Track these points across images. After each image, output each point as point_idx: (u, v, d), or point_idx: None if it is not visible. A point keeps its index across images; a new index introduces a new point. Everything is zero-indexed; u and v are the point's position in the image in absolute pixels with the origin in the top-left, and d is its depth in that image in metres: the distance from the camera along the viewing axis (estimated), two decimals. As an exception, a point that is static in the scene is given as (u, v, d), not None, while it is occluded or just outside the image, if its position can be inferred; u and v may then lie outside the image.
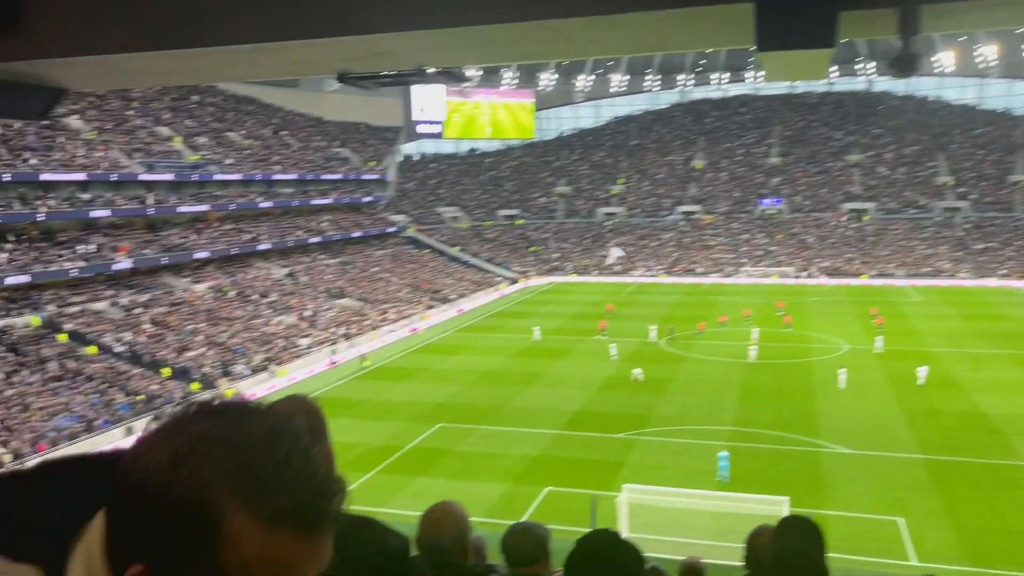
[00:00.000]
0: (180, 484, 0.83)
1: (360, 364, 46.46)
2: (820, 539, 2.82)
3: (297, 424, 0.91)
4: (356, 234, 76.36)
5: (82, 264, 47.87)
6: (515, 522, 3.63)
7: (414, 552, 2.78)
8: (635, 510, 22.75)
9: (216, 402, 0.91)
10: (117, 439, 33.53)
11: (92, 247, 50.01)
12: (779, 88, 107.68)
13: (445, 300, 67.23)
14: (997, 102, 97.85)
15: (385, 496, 25.98)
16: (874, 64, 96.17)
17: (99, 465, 0.99)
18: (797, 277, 77.40)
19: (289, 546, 0.85)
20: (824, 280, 75.90)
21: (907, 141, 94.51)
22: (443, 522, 2.71)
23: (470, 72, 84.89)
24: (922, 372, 38.72)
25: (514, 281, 79.98)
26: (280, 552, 0.85)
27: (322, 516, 0.88)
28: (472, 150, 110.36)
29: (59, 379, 37.79)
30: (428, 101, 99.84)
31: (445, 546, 2.66)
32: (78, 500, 0.95)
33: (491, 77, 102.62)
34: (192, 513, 0.83)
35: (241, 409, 0.90)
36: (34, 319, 42.76)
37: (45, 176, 48.18)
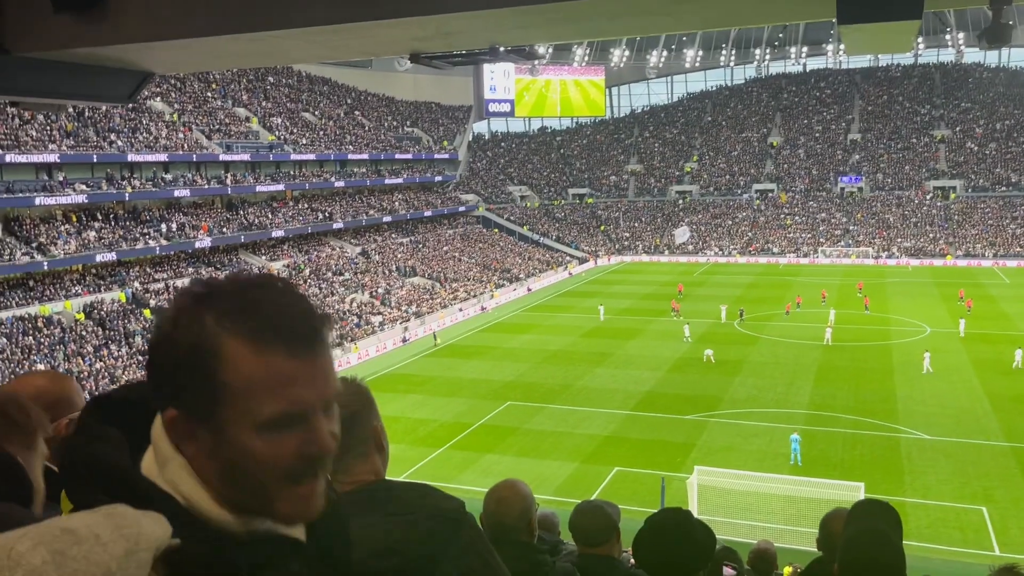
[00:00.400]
0: (181, 329, 0.99)
1: (434, 342, 47.08)
2: (897, 522, 2.75)
3: (274, 275, 1.07)
4: (427, 213, 77.12)
5: (165, 242, 49.64)
6: (583, 500, 3.64)
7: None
8: (705, 492, 22.56)
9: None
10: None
11: (174, 226, 51.79)
12: (860, 61, 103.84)
13: (515, 279, 67.45)
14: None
15: (455, 472, 26.37)
16: (963, 35, 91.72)
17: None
18: (877, 258, 74.97)
19: (282, 364, 0.99)
20: (906, 261, 73.33)
21: (998, 115, 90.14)
22: (507, 501, 2.74)
23: (541, 49, 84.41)
24: (1019, 355, 37.26)
25: (584, 260, 79.67)
26: (275, 369, 0.99)
27: (306, 334, 1.01)
28: (542, 128, 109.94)
29: (145, 353, 39.39)
30: (498, 79, 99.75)
31: (509, 524, 2.69)
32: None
33: (562, 54, 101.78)
34: (194, 349, 0.98)
35: (230, 273, 1.06)
36: (121, 295, 44.61)
37: (131, 157, 50.00)
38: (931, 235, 77.01)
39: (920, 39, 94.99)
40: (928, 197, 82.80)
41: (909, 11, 3.07)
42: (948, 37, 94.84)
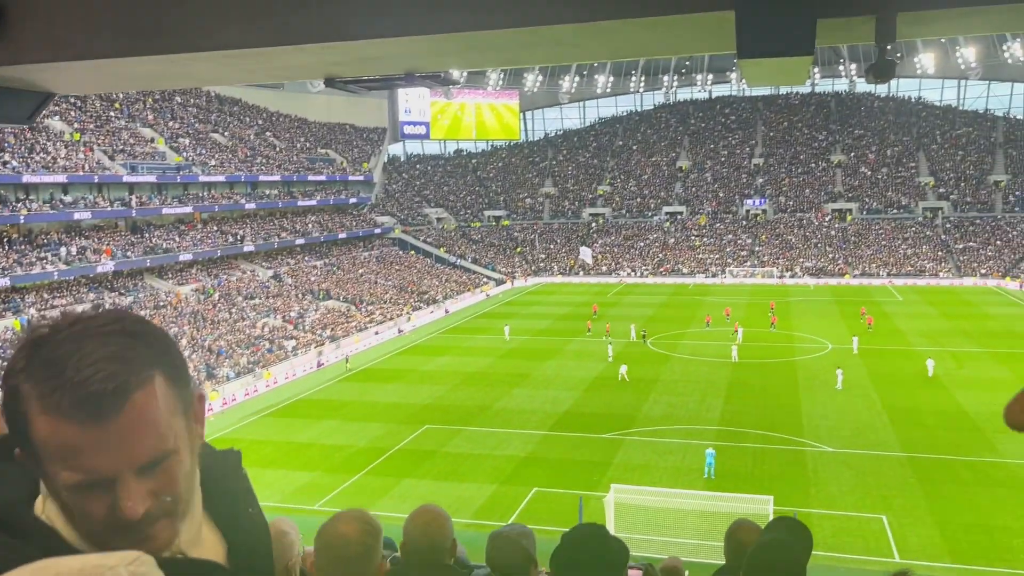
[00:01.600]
0: (9, 379, 1.01)
1: (345, 367, 46.39)
2: (805, 536, 2.88)
3: (83, 328, 1.03)
4: (342, 235, 76.19)
5: (64, 267, 47.53)
6: (497, 529, 3.63)
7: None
8: (623, 510, 22.86)
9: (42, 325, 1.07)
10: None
11: (74, 249, 49.67)
12: (762, 89, 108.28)
13: (431, 301, 67.20)
14: (978, 103, 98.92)
15: (373, 498, 25.96)
16: (855, 65, 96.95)
17: None
18: (781, 277, 77.91)
19: (71, 432, 0.99)
20: (807, 280, 76.45)
21: (889, 142, 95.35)
22: (433, 524, 2.76)
23: (456, 74, 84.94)
24: (931, 364, 39.79)
25: (501, 282, 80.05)
26: (64, 438, 0.99)
27: (100, 399, 0.99)
28: (458, 151, 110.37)
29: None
30: (413, 102, 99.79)
31: (438, 547, 2.71)
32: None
33: (477, 78, 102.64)
34: (14, 403, 1.01)
35: (63, 313, 1.08)
36: (15, 322, 42.42)
37: (26, 178, 47.81)
38: (830, 255, 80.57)
39: (816, 69, 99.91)
40: (827, 219, 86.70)
41: (803, 47, 3.26)
42: (842, 68, 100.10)
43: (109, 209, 53.59)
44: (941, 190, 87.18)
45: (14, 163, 47.94)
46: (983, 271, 74.12)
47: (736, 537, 3.59)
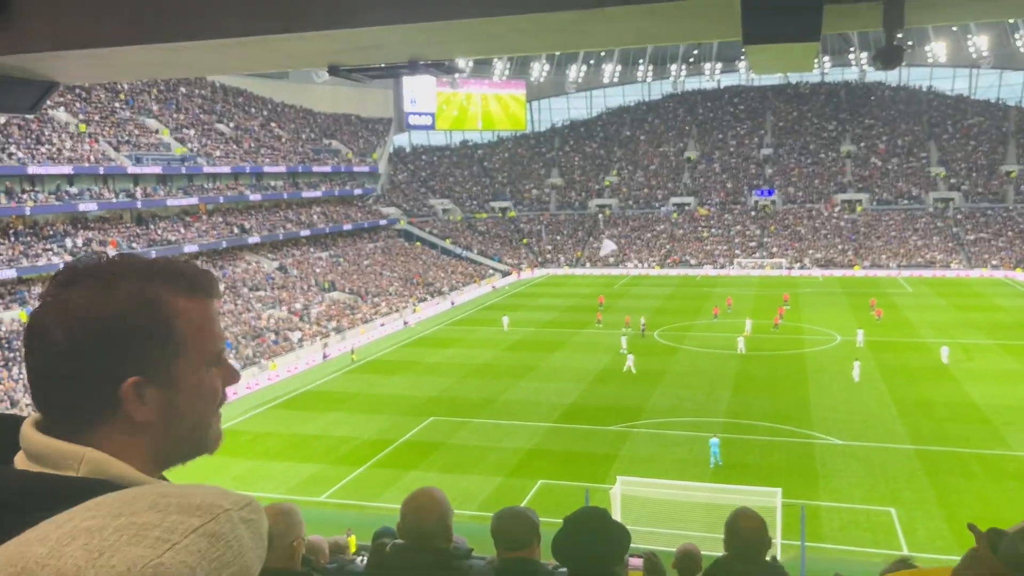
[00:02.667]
0: (133, 299, 1.11)
1: (351, 358, 46.47)
2: None
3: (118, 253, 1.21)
4: (347, 227, 76.24)
5: (69, 258, 47.67)
6: (503, 508, 3.67)
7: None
8: (629, 502, 22.84)
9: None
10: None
11: (80, 241, 49.81)
12: (771, 79, 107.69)
13: (437, 293, 67.23)
14: (989, 92, 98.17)
15: (378, 490, 26.02)
16: (865, 54, 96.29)
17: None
18: (790, 268, 77.66)
19: (206, 307, 1.18)
20: (816, 271, 76.19)
21: (899, 131, 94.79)
22: (426, 508, 2.75)
23: (461, 63, 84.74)
24: (944, 352, 40.10)
25: (507, 273, 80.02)
26: (204, 311, 1.17)
27: (210, 282, 1.21)
28: (464, 141, 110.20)
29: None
30: (419, 92, 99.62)
31: (428, 530, 2.70)
32: None
33: (482, 68, 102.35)
34: (152, 312, 1.11)
35: (87, 256, 1.19)
36: (21, 314, 42.60)
37: (32, 169, 47.91)
38: (840, 247, 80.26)
39: (826, 58, 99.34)
40: (836, 210, 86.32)
41: (809, 33, 3.21)
42: (852, 56, 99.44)
43: (114, 200, 53.70)
44: (952, 180, 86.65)
45: (19, 154, 48.06)
46: (994, 262, 73.71)
47: (736, 525, 3.56)
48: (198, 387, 1.16)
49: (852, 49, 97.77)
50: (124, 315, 1.09)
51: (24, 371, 27.36)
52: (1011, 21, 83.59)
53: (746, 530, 3.58)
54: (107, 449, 1.10)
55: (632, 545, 3.61)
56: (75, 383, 1.10)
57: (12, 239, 46.39)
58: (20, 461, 1.10)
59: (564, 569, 3.03)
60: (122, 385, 1.11)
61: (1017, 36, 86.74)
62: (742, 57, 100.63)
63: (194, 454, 1.20)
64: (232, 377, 1.23)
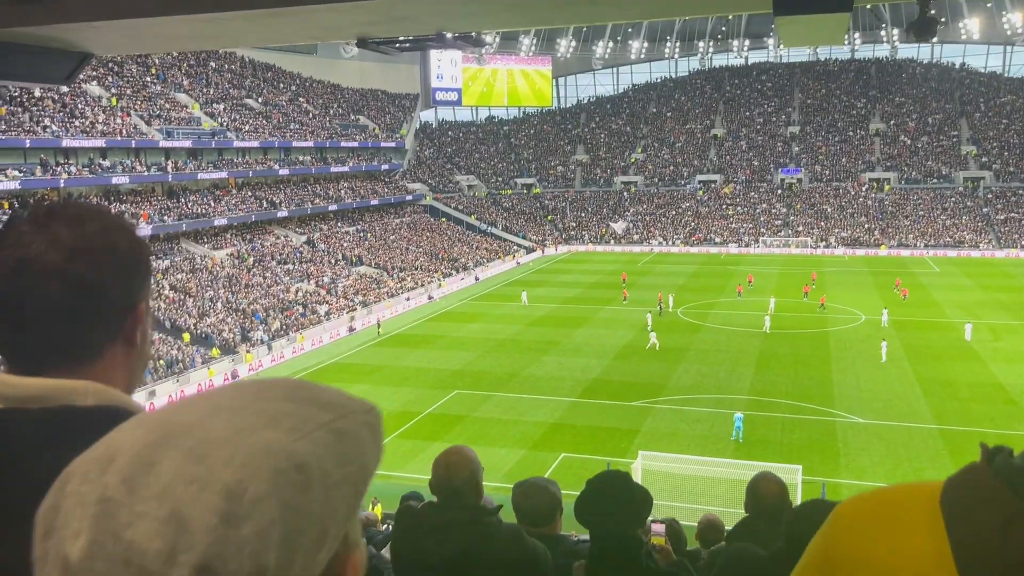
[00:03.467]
0: (134, 232, 1.22)
1: (377, 332, 46.84)
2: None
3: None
4: (374, 202, 76.54)
5: (103, 230, 48.27)
6: (523, 480, 3.73)
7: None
8: (650, 477, 22.97)
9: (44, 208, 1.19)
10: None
11: (113, 213, 50.42)
12: (800, 56, 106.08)
13: (462, 268, 67.42)
14: (1023, 70, 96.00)
15: (402, 461, 26.34)
16: (897, 31, 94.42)
17: None
18: (815, 247, 76.89)
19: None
20: (842, 251, 75.38)
21: (930, 109, 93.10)
22: (456, 465, 2.84)
23: (488, 38, 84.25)
24: (968, 328, 40.48)
25: (531, 250, 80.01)
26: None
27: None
28: (490, 117, 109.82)
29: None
30: (445, 68, 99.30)
31: (457, 487, 2.79)
32: None
33: (509, 44, 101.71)
34: (138, 241, 1.21)
35: (61, 201, 1.26)
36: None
37: (65, 142, 48.49)
38: (866, 226, 79.26)
39: (856, 34, 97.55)
40: (864, 189, 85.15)
41: (840, 3, 3.22)
42: (883, 33, 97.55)
43: (146, 174, 54.27)
44: (983, 159, 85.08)
45: (54, 127, 48.64)
46: (1024, 243, 72.54)
47: (757, 488, 3.63)
48: (149, 312, 1.26)
49: (884, 25, 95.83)
50: (134, 246, 1.20)
51: None
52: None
53: (766, 494, 3.65)
54: (103, 380, 1.15)
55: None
56: (99, 312, 1.15)
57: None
58: None
59: (587, 541, 3.11)
60: (136, 311, 1.21)
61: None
62: (770, 34, 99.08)
63: (142, 379, 1.30)
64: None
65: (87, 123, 51.20)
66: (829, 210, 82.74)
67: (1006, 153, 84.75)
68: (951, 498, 0.66)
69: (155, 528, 0.56)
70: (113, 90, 56.87)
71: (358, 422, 0.70)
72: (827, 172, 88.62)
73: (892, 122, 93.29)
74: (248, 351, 41.80)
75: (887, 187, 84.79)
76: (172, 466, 0.59)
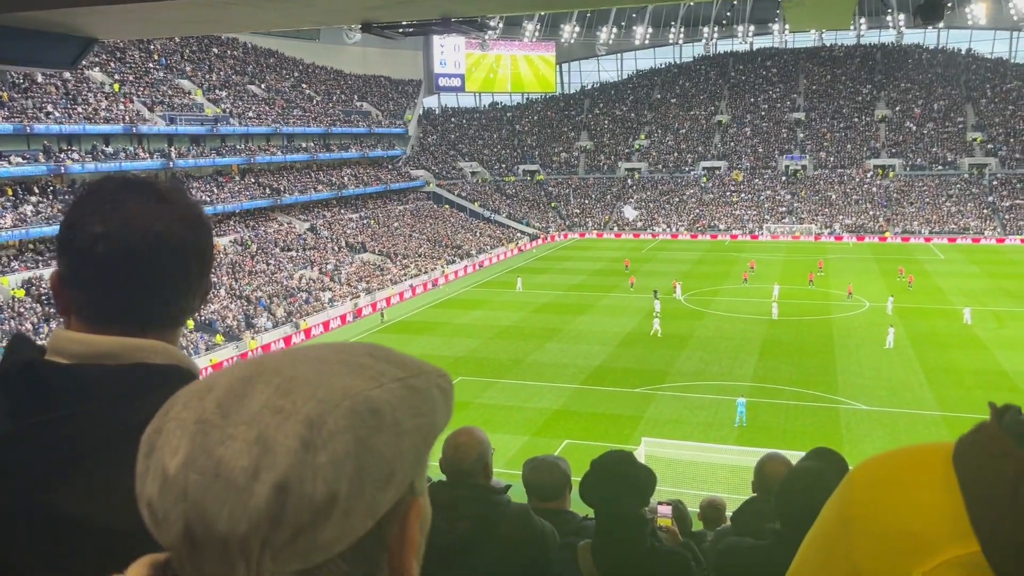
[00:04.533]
0: (204, 215, 1.34)
1: (381, 319, 46.92)
2: (842, 466, 2.85)
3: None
4: (377, 188, 76.44)
5: (107, 217, 48.30)
6: (534, 457, 3.78)
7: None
8: (653, 463, 23.01)
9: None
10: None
11: (116, 200, 50.44)
12: (805, 41, 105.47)
13: (465, 255, 67.41)
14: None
15: (406, 446, 26.46)
16: (903, 16, 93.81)
17: None
18: (820, 235, 76.73)
19: None
20: (847, 237, 75.21)
21: (936, 95, 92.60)
22: (465, 446, 2.87)
23: (492, 23, 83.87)
24: (967, 312, 41.06)
25: (535, 237, 79.94)
26: None
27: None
28: (493, 103, 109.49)
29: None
30: (448, 54, 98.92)
31: (467, 467, 2.82)
32: None
33: (513, 29, 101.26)
34: (208, 234, 1.32)
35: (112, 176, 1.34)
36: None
37: (69, 128, 48.46)
38: (871, 213, 79.04)
39: (862, 20, 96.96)
40: (869, 175, 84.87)
41: (845, -14, 3.20)
42: (889, 18, 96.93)
43: (149, 160, 54.25)
44: (989, 146, 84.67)
45: (57, 114, 48.61)
46: (1030, 230, 72.29)
47: (764, 468, 3.66)
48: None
49: (890, 10, 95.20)
50: (209, 226, 1.33)
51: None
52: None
53: (774, 473, 3.67)
54: (170, 342, 1.26)
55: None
56: (182, 281, 1.25)
57: (51, 197, 47.13)
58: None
59: (592, 520, 3.14)
60: (204, 281, 1.30)
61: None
62: (775, 19, 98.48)
63: None
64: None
65: (90, 109, 51.15)
66: (834, 197, 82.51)
67: (1012, 139, 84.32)
68: (963, 456, 0.68)
69: (243, 448, 0.63)
70: (116, 76, 56.77)
71: (431, 383, 0.77)
72: (832, 159, 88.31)
73: (897, 108, 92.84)
74: (252, 338, 41.91)
75: (892, 174, 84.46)
76: (262, 397, 0.66)
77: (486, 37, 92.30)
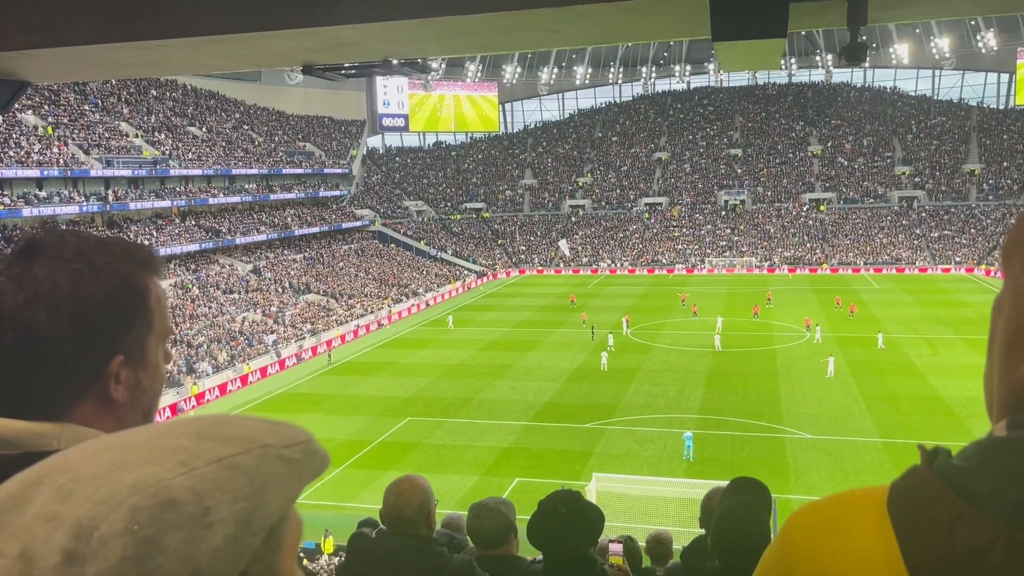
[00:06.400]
0: (123, 276, 1.12)
1: (327, 360, 46.23)
2: (765, 496, 2.93)
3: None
4: (321, 229, 75.82)
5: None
6: (478, 501, 3.70)
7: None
8: (604, 498, 23.00)
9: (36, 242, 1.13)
10: (80, 439, 32.97)
11: (50, 245, 49.06)
12: (740, 80, 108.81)
13: (412, 294, 67.07)
14: (952, 92, 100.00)
15: (355, 490, 25.96)
16: (831, 56, 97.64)
17: None
18: (759, 267, 78.45)
19: (159, 283, 1.20)
20: (786, 270, 77.07)
21: (865, 131, 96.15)
22: (406, 494, 2.81)
23: (434, 64, 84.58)
24: (880, 337, 42.60)
25: (481, 274, 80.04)
26: (160, 288, 1.19)
27: (160, 260, 1.23)
28: (438, 143, 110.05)
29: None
30: (392, 94, 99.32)
31: (408, 517, 2.76)
32: None
33: (455, 70, 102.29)
34: (130, 288, 1.12)
35: (47, 230, 1.19)
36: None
37: (1, 173, 47.12)
38: (808, 245, 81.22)
39: (793, 60, 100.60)
40: (804, 209, 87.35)
41: (775, 30, 3.31)
42: (818, 58, 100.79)
43: (85, 204, 52.98)
44: (916, 179, 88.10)
45: (-14, 158, 47.28)
46: (958, 259, 75.04)
47: (710, 505, 3.67)
48: (157, 364, 1.18)
49: (818, 51, 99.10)
50: (112, 296, 1.09)
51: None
52: (971, 23, 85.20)
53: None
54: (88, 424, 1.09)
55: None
56: (57, 365, 1.06)
57: (-23, 244, 45.60)
58: None
59: (540, 563, 3.09)
60: (108, 366, 1.09)
61: (978, 37, 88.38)
62: (711, 59, 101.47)
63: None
64: (168, 356, 1.23)
65: (22, 153, 49.87)
66: (772, 230, 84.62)
67: (938, 173, 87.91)
68: (897, 501, 0.68)
69: (7, 566, 0.56)
70: (50, 119, 55.56)
71: (268, 456, 0.66)
72: (769, 193, 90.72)
73: (829, 144, 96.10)
74: (195, 383, 40.85)
75: (822, 208, 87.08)
76: (40, 503, 0.58)
77: (429, 78, 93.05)
